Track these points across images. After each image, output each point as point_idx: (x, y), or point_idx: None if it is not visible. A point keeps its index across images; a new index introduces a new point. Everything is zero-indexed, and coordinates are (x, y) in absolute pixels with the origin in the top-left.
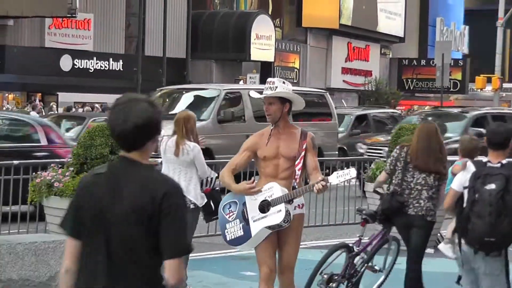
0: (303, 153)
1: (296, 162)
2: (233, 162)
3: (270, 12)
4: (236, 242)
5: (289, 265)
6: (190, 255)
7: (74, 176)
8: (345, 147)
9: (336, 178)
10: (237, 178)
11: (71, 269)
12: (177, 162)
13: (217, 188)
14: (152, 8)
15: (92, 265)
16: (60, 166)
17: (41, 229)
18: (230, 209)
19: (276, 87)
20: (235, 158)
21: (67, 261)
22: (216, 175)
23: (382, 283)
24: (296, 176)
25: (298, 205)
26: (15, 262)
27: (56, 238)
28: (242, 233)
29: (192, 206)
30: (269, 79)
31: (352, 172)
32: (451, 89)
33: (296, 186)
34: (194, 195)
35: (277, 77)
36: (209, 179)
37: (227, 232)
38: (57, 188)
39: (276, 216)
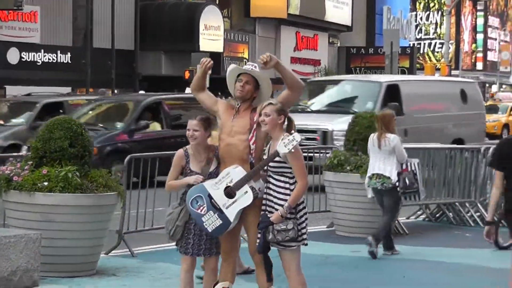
0: (255, 126)
1: (249, 137)
2: None
3: (218, 2)
4: (219, 231)
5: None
6: (148, 246)
7: (33, 170)
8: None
9: (284, 147)
10: None
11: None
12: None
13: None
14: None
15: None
16: (18, 160)
17: None
18: (198, 204)
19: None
20: None
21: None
22: None
23: None
24: (251, 151)
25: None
26: None
27: (17, 232)
28: (221, 221)
29: (390, 186)
30: (251, 62)
31: (296, 136)
32: None
33: (253, 162)
34: (394, 177)
35: (226, 68)
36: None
37: (205, 225)
38: (16, 182)
39: (245, 197)
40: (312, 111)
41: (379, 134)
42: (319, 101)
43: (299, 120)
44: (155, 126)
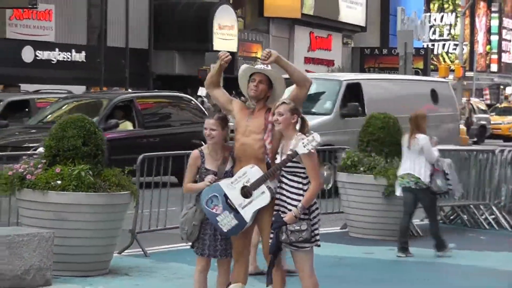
0: (270, 126)
1: (265, 137)
2: None
3: (231, 2)
4: (234, 231)
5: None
6: (161, 246)
7: (46, 169)
8: None
9: (303, 147)
10: None
11: None
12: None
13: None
14: None
15: None
16: (32, 158)
17: (13, 222)
18: (213, 204)
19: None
20: None
21: None
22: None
23: None
24: (267, 151)
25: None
26: None
27: (30, 231)
28: (237, 221)
29: (424, 186)
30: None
31: (316, 137)
32: None
33: (270, 162)
34: (424, 177)
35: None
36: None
37: (220, 224)
38: (30, 181)
39: (262, 198)
40: None
41: (410, 134)
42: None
43: None
44: (127, 125)
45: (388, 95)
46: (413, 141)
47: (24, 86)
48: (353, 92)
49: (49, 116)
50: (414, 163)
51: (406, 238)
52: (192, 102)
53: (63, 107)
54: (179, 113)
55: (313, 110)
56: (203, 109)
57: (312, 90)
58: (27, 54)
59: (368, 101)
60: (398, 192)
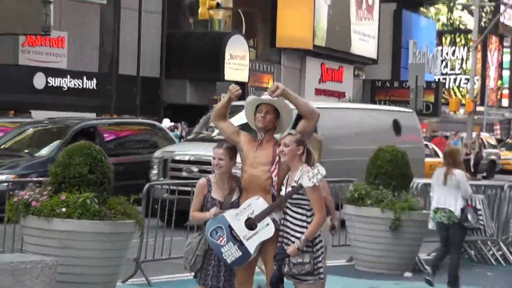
0: (277, 158)
1: (272, 169)
2: None
3: (244, 33)
4: (238, 262)
5: None
6: (165, 276)
7: (52, 196)
8: None
9: (308, 180)
10: None
11: None
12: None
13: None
14: (126, 27)
15: None
16: (37, 185)
17: (16, 249)
18: (218, 235)
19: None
20: None
21: None
22: None
23: None
24: (273, 183)
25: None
26: None
27: (33, 258)
28: (241, 253)
29: (456, 220)
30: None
31: (321, 170)
32: (424, 112)
33: (276, 194)
34: (457, 212)
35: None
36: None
37: (225, 256)
38: (35, 208)
39: (266, 230)
40: (214, 140)
41: (447, 169)
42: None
43: (196, 150)
44: None
45: (345, 125)
46: (450, 177)
47: (35, 113)
48: None
49: (8, 142)
50: (449, 198)
51: (438, 269)
52: (162, 130)
53: (24, 133)
54: (147, 141)
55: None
56: (173, 138)
57: None
58: (39, 81)
59: (322, 131)
60: (431, 225)
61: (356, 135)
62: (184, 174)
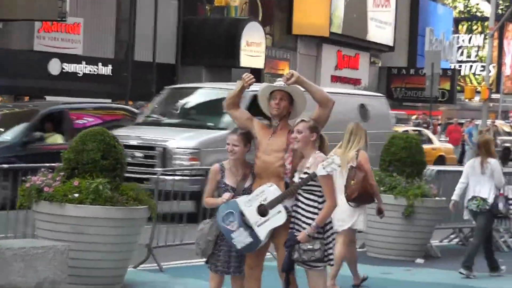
0: (291, 146)
1: (286, 156)
2: None
3: (260, 19)
4: (248, 248)
5: None
6: (176, 262)
7: (64, 181)
8: None
9: (322, 169)
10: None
11: None
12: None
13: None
14: (142, 13)
15: None
16: (50, 170)
17: (28, 235)
18: (229, 220)
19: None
20: None
21: None
22: None
23: None
24: (287, 171)
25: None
26: (2, 268)
27: (45, 244)
28: (251, 239)
29: (485, 208)
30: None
31: (336, 159)
32: (440, 99)
33: (288, 182)
34: (490, 200)
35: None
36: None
37: (235, 241)
38: (47, 193)
39: (278, 217)
40: (163, 124)
41: (482, 159)
42: (173, 112)
43: (138, 134)
44: (56, 139)
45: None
46: (486, 165)
47: (50, 99)
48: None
49: None
50: (484, 187)
51: (493, 257)
52: (136, 115)
53: None
54: (120, 126)
55: (210, 123)
56: None
57: (212, 101)
58: (54, 67)
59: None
60: (466, 216)
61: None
62: (129, 159)
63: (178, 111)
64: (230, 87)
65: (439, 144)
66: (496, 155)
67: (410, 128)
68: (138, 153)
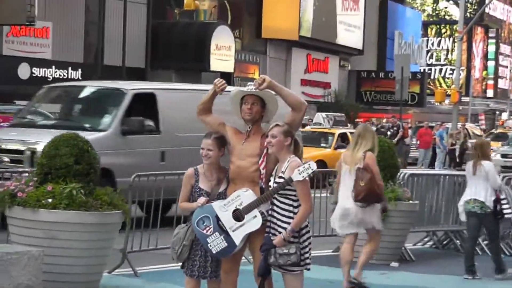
0: (265, 151)
1: (260, 161)
2: None
3: (229, 23)
4: (224, 253)
5: None
6: (154, 266)
7: (38, 186)
8: None
9: (298, 174)
10: None
11: None
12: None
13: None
14: (111, 17)
15: None
16: (23, 176)
17: (2, 240)
18: (205, 224)
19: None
20: None
21: None
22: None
23: None
24: (261, 176)
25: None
26: None
27: (19, 249)
28: (226, 244)
29: (488, 210)
30: (251, 82)
31: (312, 165)
32: (409, 102)
33: (264, 187)
34: (489, 202)
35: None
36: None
37: (210, 246)
38: (21, 198)
39: (253, 222)
40: (37, 126)
41: (475, 161)
42: (49, 113)
43: (9, 136)
44: None
45: (191, 109)
46: (479, 167)
47: (19, 103)
48: (146, 105)
49: None
50: (479, 189)
51: (472, 261)
52: None
53: None
54: None
55: (87, 125)
56: None
57: (95, 102)
58: (24, 71)
59: (164, 116)
60: (463, 218)
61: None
62: None
63: (55, 112)
64: (113, 85)
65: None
66: (490, 158)
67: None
68: (5, 158)
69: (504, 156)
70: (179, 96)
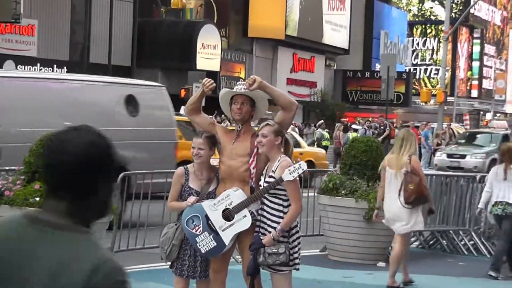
0: (255, 150)
1: (250, 161)
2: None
3: (216, 22)
4: (213, 252)
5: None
6: (141, 265)
7: (25, 185)
8: None
9: (289, 174)
10: None
11: None
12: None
13: None
14: (97, 15)
15: None
16: (10, 174)
17: None
18: (194, 224)
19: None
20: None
21: None
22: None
23: None
24: (251, 175)
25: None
26: None
27: None
28: (216, 243)
29: (511, 212)
30: (241, 82)
31: (302, 165)
32: (395, 102)
33: (254, 186)
34: None
35: (223, 87)
36: None
37: (199, 245)
38: (8, 197)
39: (243, 222)
40: None
41: (506, 165)
42: None
43: None
44: None
45: (38, 101)
46: (510, 172)
47: None
48: None
49: None
50: (508, 192)
51: (501, 261)
52: None
53: None
54: None
55: None
56: None
57: None
58: (9, 69)
59: (1, 108)
60: (492, 221)
61: (52, 113)
62: None
63: None
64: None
65: (308, 148)
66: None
67: None
68: None
69: (449, 156)
70: (29, 85)
